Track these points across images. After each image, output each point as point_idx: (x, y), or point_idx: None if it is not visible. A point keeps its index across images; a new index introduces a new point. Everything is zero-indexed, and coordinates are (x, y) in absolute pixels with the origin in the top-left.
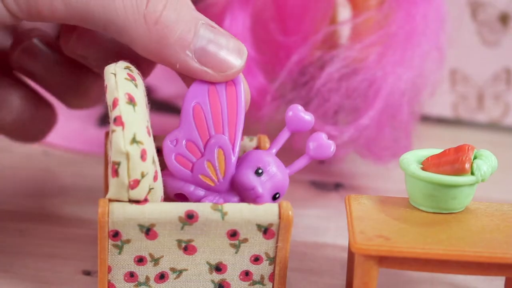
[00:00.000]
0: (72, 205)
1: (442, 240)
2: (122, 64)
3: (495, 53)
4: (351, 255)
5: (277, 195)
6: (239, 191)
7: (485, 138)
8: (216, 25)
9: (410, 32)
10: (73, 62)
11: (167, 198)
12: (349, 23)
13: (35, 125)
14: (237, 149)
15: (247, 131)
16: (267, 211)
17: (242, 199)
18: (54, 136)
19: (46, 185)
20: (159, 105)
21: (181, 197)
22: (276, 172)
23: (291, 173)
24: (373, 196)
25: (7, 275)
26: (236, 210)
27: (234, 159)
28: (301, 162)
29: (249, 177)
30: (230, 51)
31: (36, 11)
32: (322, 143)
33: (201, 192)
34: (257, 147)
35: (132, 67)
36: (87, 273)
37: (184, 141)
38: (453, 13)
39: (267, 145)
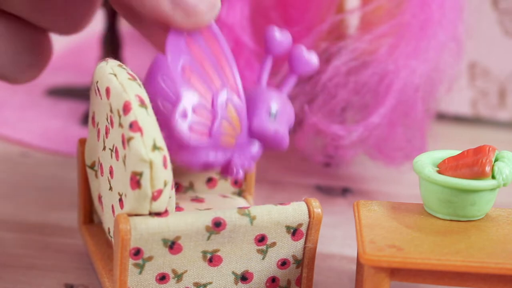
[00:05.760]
0: (53, 211)
1: (460, 250)
2: (113, 62)
3: None
4: (360, 267)
5: (290, 126)
6: (259, 139)
7: (507, 138)
8: None
9: (425, 22)
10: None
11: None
12: (357, 12)
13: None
14: (241, 93)
15: None
16: (296, 210)
17: (265, 146)
18: (33, 136)
19: (25, 190)
20: None
21: (207, 166)
22: (282, 104)
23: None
24: (384, 202)
25: None
26: (264, 213)
27: (243, 106)
28: (290, 82)
29: (267, 125)
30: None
31: None
32: (303, 58)
33: (226, 154)
34: None
35: (123, 65)
36: (70, 286)
37: (191, 109)
38: (472, 1)
39: None
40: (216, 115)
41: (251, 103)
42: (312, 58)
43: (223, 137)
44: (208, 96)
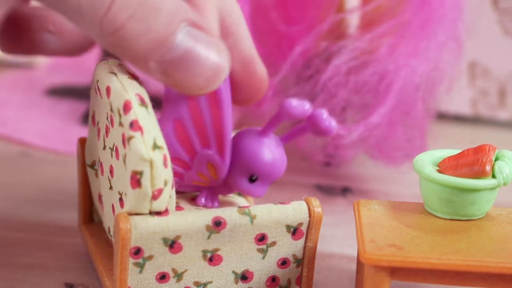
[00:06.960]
0: (53, 210)
1: (461, 249)
2: (114, 61)
3: None
4: (360, 266)
5: (277, 178)
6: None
7: (507, 138)
8: (203, 25)
9: (425, 21)
10: None
11: None
12: (358, 11)
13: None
14: (227, 156)
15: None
16: (296, 210)
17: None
18: (33, 136)
19: (25, 189)
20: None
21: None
22: (272, 163)
23: (288, 143)
24: (385, 201)
25: None
26: (265, 212)
27: (225, 166)
28: (298, 135)
29: (243, 186)
30: (205, 72)
31: None
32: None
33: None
34: None
35: (124, 64)
36: (70, 285)
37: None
38: (472, 0)
39: None
40: (191, 167)
41: (239, 156)
42: (331, 125)
43: (195, 181)
44: (191, 153)
